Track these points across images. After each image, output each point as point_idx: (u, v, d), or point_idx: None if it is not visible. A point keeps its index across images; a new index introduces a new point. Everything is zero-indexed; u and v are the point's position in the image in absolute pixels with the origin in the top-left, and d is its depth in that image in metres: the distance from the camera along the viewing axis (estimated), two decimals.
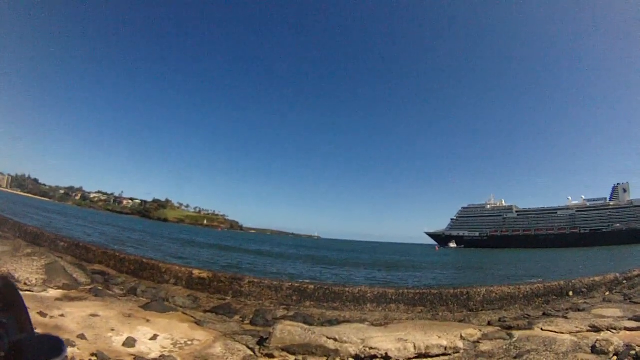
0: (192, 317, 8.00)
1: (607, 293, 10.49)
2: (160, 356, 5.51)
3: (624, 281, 11.09)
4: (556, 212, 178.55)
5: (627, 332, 6.77)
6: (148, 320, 7.19)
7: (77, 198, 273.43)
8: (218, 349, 6.15)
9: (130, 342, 5.84)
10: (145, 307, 8.12)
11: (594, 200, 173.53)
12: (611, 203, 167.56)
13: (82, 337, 5.66)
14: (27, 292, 7.70)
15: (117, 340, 5.90)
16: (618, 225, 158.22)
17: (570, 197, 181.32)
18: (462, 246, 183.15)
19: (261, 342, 6.51)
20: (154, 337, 6.30)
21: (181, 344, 6.27)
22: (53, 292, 8.18)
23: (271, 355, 6.07)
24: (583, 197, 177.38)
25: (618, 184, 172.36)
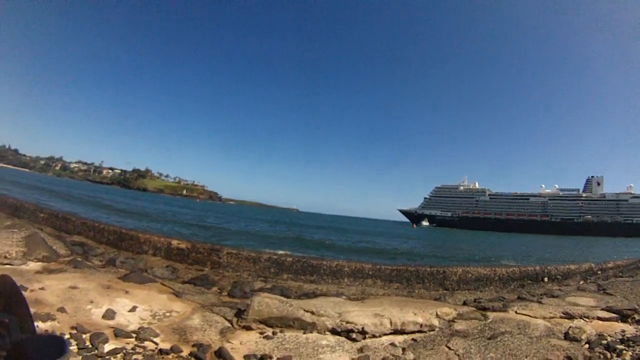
0: (170, 288, 8.04)
1: (582, 282, 10.64)
2: (139, 328, 5.55)
3: (599, 272, 11.27)
4: (528, 199, 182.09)
5: (600, 322, 6.93)
6: (127, 292, 7.22)
7: (57, 168, 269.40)
8: (196, 320, 6.21)
9: (109, 314, 5.88)
10: (124, 278, 8.13)
11: (567, 190, 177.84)
12: (583, 195, 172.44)
13: (62, 310, 5.70)
14: (7, 266, 7.72)
15: (97, 312, 5.94)
16: (589, 216, 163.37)
17: (543, 185, 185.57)
18: (434, 225, 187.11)
19: (239, 314, 6.55)
20: (133, 309, 6.34)
21: (160, 315, 6.31)
22: (33, 265, 8.16)
23: (248, 328, 6.11)
24: (556, 186, 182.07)
25: (592, 176, 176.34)
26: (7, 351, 1.35)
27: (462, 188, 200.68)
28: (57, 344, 1.44)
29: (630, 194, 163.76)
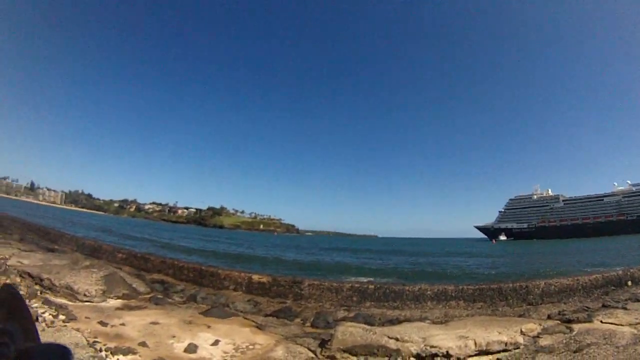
0: (253, 321, 7.97)
1: None
2: None
3: None
4: (602, 199, 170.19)
5: None
6: (209, 326, 7.19)
7: (132, 210, 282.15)
8: (280, 352, 6.07)
9: (191, 348, 5.80)
10: (206, 313, 8.16)
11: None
12: None
13: (143, 344, 5.67)
14: (87, 303, 7.88)
15: (179, 346, 5.89)
16: None
17: (616, 184, 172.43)
18: (512, 238, 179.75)
19: (323, 344, 6.43)
20: (215, 343, 6.27)
21: (243, 348, 6.21)
22: (113, 302, 8.33)
23: (333, 357, 5.97)
24: (629, 181, 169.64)
25: None
26: None
27: (535, 197, 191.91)
28: (61, 352, 1.44)
29: None
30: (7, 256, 10.73)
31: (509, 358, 5.84)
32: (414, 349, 5.98)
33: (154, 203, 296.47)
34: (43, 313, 6.46)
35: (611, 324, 6.80)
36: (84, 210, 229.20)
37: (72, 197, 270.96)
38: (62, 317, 6.44)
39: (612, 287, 9.84)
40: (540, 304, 9.35)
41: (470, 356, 5.93)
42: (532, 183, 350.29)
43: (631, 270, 10.40)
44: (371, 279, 25.94)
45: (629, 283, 10.01)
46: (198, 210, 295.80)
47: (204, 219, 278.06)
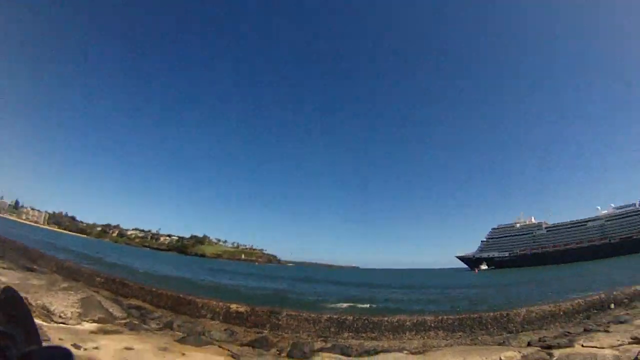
0: (228, 350, 7.93)
1: None
2: None
3: None
4: (586, 224, 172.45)
5: None
6: (183, 354, 7.15)
7: (114, 235, 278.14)
8: None
9: None
10: (181, 340, 8.11)
11: (623, 207, 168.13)
12: None
13: None
14: (61, 325, 7.81)
15: None
16: None
17: (599, 207, 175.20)
18: (493, 267, 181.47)
19: None
20: None
21: None
22: (88, 325, 8.23)
23: None
24: (612, 205, 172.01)
25: None
26: None
27: (518, 225, 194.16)
28: (63, 356, 1.47)
29: None
30: None
31: None
32: None
33: (136, 229, 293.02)
34: None
35: (592, 347, 6.90)
36: (65, 232, 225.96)
37: (56, 218, 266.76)
38: None
39: (595, 311, 9.97)
40: (521, 331, 9.42)
41: None
42: (518, 211, 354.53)
43: (614, 292, 10.58)
44: (350, 304, 26.01)
45: (612, 305, 10.16)
46: (180, 238, 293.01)
47: (185, 247, 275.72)
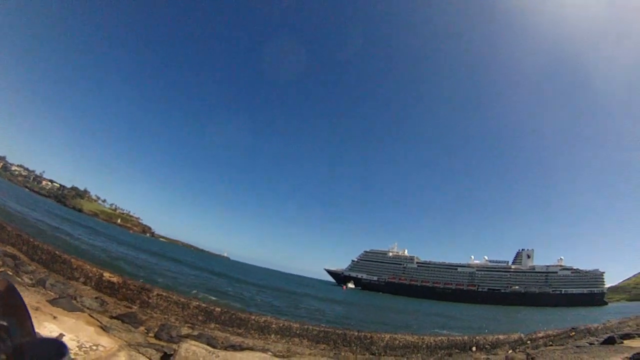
0: (98, 321, 7.89)
1: (510, 351, 10.87)
2: None
3: (528, 341, 11.51)
4: (457, 268, 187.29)
5: None
6: (55, 317, 7.09)
7: None
8: (122, 358, 6.17)
9: None
10: (53, 302, 7.97)
11: (496, 261, 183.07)
12: (513, 267, 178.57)
13: None
14: None
15: None
16: (517, 287, 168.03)
17: (473, 257, 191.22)
18: (360, 288, 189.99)
19: (165, 357, 6.57)
20: (60, 337, 6.16)
21: (86, 347, 6.22)
22: None
23: None
24: (486, 257, 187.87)
25: (523, 249, 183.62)
26: (7, 354, 1.41)
27: (391, 254, 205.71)
28: (57, 347, 1.53)
29: (560, 266, 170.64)
30: None
31: None
32: None
33: (21, 166, 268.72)
34: None
35: None
36: None
37: None
38: None
39: (457, 351, 10.57)
40: (383, 355, 9.91)
41: None
42: (393, 240, 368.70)
43: (477, 337, 11.25)
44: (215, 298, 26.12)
45: (474, 349, 10.77)
46: (62, 187, 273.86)
47: (65, 198, 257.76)
